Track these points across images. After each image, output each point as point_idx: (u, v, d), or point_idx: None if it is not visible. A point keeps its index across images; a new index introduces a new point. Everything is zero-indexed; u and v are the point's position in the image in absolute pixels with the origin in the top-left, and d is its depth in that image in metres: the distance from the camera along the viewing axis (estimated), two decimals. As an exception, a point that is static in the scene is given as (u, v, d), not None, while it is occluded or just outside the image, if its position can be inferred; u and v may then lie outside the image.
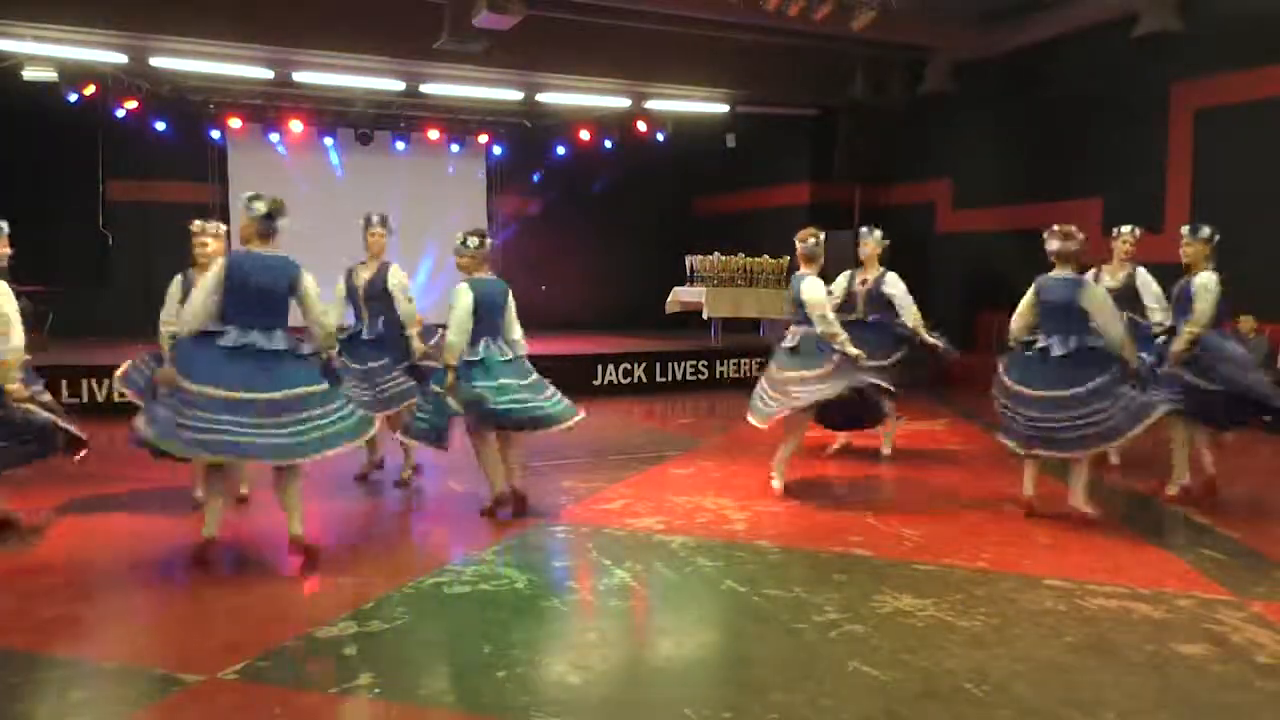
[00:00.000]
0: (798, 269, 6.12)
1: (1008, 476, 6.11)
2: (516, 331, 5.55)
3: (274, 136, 14.33)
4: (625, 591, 4.35)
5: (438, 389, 5.31)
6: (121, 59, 10.49)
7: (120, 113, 12.42)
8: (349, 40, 10.27)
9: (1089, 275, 5.98)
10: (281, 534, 4.70)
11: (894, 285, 6.98)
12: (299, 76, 11.57)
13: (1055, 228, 5.47)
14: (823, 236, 6.01)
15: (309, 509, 4.72)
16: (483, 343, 5.35)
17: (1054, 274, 5.43)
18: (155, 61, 10.50)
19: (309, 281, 4.65)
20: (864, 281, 7.10)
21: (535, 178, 16.14)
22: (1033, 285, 5.47)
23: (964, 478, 6.68)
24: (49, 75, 10.86)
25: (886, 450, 7.38)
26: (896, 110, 11.99)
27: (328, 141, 14.71)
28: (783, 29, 10.09)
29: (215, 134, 14.03)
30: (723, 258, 12.67)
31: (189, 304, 4.57)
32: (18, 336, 4.74)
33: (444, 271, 14.85)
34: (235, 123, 13.87)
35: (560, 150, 15.48)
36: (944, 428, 8.81)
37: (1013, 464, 6.08)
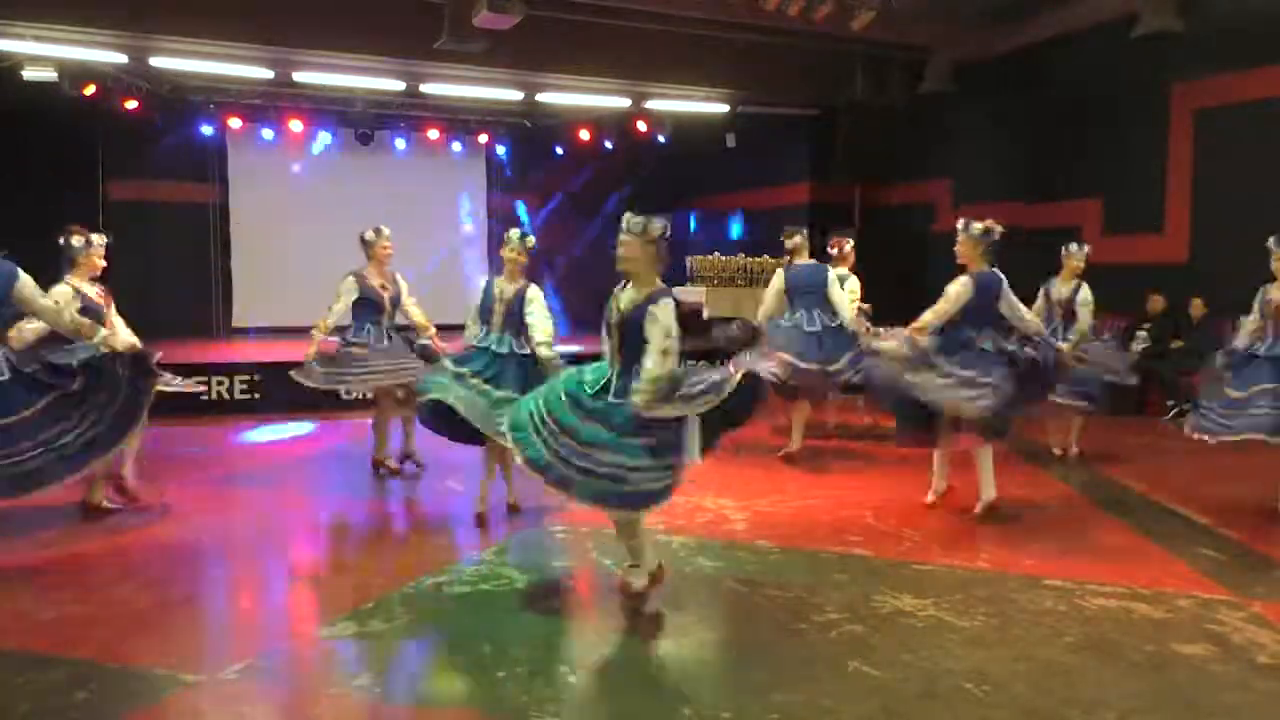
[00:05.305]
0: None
1: (1005, 475, 6.10)
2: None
3: (274, 136, 14.32)
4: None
5: None
6: (121, 59, 10.46)
7: (120, 113, 12.40)
8: (349, 40, 10.26)
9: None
10: (276, 536, 4.71)
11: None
12: (299, 76, 11.55)
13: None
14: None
15: (316, 502, 4.69)
16: None
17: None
18: (155, 61, 10.48)
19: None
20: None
21: (535, 177, 16.13)
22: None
23: (964, 478, 6.67)
24: (49, 75, 10.83)
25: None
26: (896, 110, 11.97)
27: (328, 141, 14.70)
28: (783, 29, 10.07)
29: (215, 134, 14.02)
30: (723, 258, 12.67)
31: None
32: None
33: (446, 270, 14.89)
34: (235, 122, 13.84)
35: (560, 150, 15.46)
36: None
37: (1007, 461, 6.07)
